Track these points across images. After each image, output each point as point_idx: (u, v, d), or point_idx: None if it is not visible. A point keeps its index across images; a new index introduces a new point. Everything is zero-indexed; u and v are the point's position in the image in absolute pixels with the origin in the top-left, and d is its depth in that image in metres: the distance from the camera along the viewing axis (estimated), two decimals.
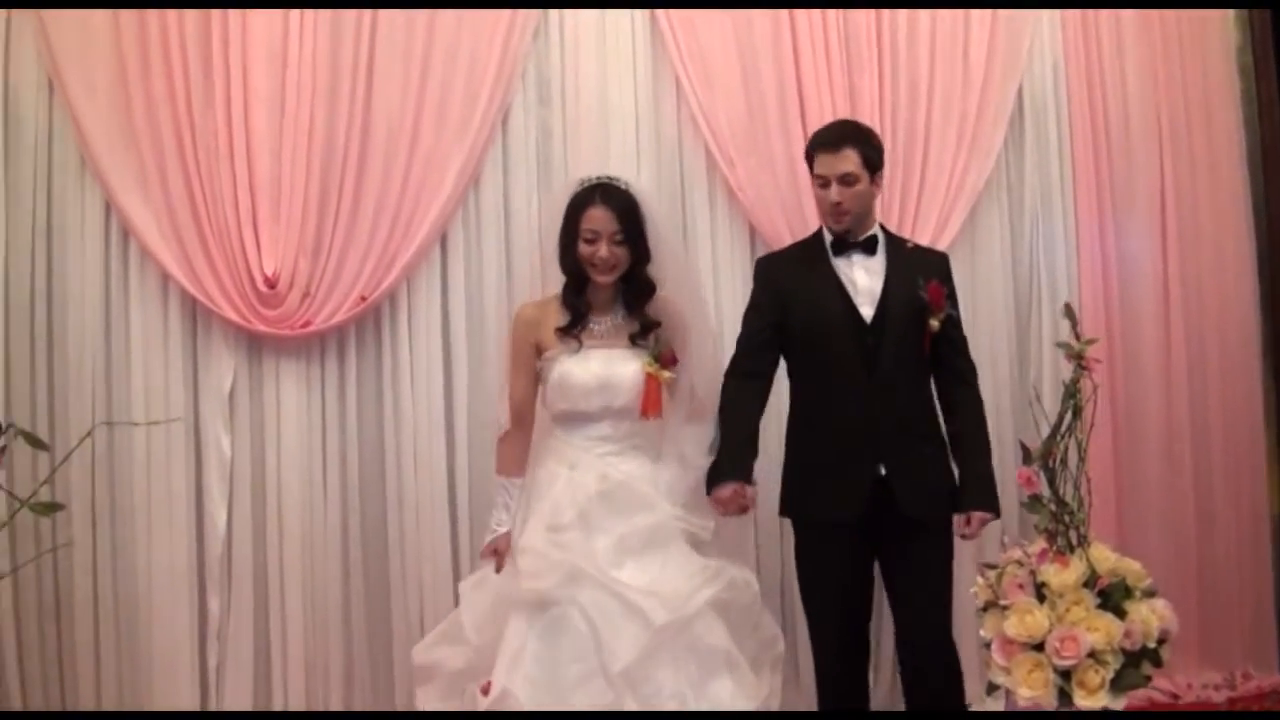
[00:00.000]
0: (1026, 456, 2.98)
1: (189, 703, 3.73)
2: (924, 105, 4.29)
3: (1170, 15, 4.62)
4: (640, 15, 4.11)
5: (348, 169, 3.80)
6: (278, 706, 3.78)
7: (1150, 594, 2.81)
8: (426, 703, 2.99)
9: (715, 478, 3.10)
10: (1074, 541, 2.87)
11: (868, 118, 4.17)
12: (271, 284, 3.74)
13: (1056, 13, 4.53)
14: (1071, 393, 2.95)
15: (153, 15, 3.72)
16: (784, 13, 4.14)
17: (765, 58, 4.12)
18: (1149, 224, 4.59)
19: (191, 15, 3.73)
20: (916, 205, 4.27)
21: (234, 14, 3.75)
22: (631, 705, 2.70)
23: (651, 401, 3.06)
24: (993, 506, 3.15)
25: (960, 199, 4.32)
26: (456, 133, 3.88)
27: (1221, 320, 4.65)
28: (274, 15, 3.77)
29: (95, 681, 3.72)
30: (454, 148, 3.89)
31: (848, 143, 3.19)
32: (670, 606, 2.79)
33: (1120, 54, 4.57)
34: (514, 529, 3.04)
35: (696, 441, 3.14)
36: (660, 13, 4.08)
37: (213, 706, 3.74)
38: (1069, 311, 3.11)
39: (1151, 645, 2.75)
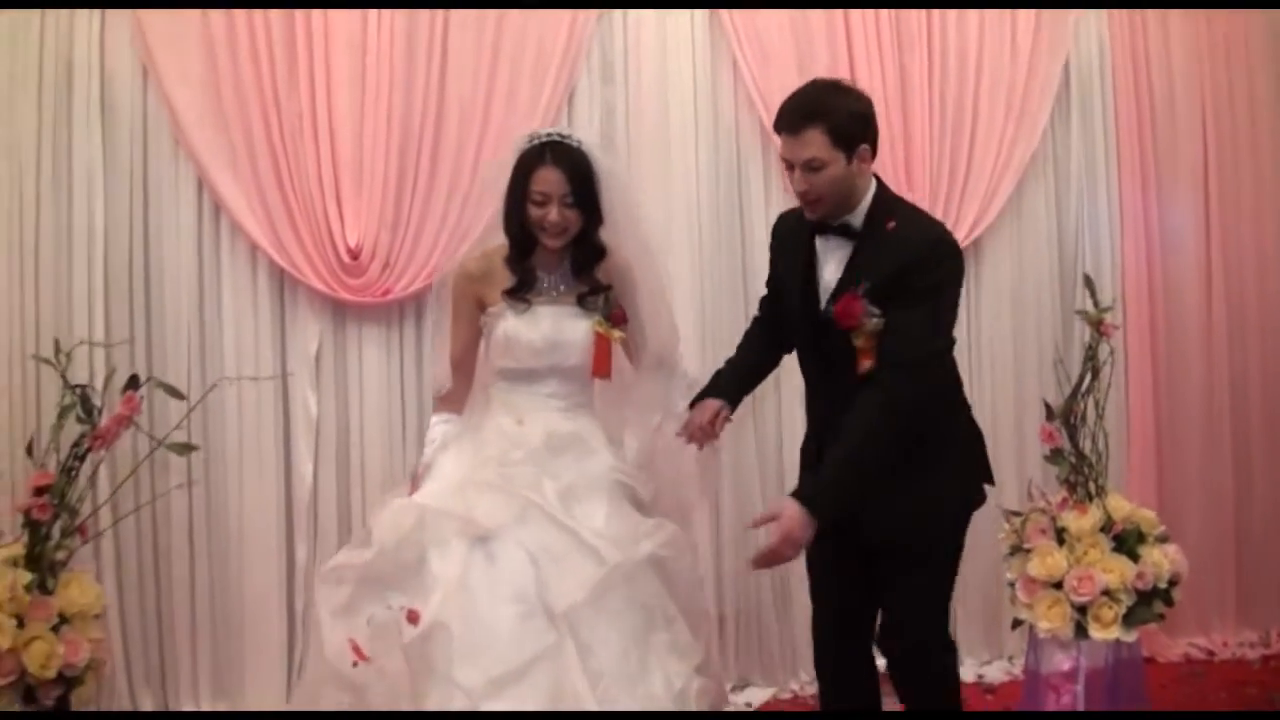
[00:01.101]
0: (1049, 414, 3.19)
1: (277, 645, 4.06)
2: (972, 81, 4.50)
3: None
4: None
5: (424, 147, 4.06)
6: None
7: (1163, 540, 3.05)
8: (328, 603, 2.68)
9: (696, 398, 2.97)
10: (1092, 491, 3.11)
11: (917, 94, 4.42)
12: (354, 255, 4.02)
13: None
14: (1089, 356, 3.17)
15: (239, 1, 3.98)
16: None
17: (819, 36, 4.35)
18: (1192, 196, 4.77)
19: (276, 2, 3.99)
20: (965, 179, 4.48)
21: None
22: (570, 650, 2.52)
23: (601, 362, 2.92)
24: (811, 506, 2.57)
25: (1007, 172, 4.53)
26: (525, 112, 4.13)
27: (1262, 290, 4.82)
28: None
29: (190, 621, 4.04)
30: (523, 125, 4.08)
31: (810, 122, 2.65)
32: (621, 549, 2.65)
33: (1165, 29, 4.74)
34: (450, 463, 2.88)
35: (655, 393, 3.01)
36: None
37: (298, 649, 4.06)
38: (1088, 281, 3.33)
39: (1163, 586, 2.97)
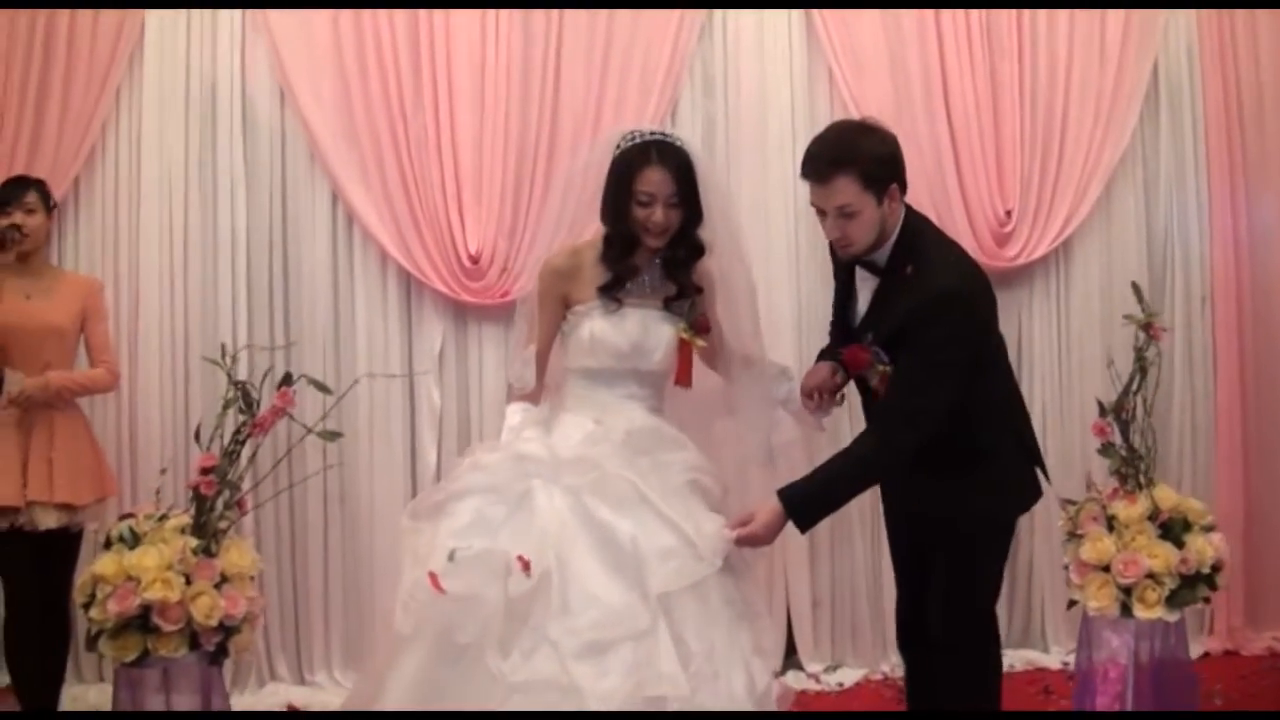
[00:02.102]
0: (1102, 411, 3.42)
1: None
2: (1062, 86, 4.70)
3: None
4: (797, 13, 4.61)
5: (538, 158, 4.41)
6: None
7: (1209, 529, 3.26)
8: (412, 546, 2.64)
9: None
10: (1141, 482, 3.31)
11: (1008, 100, 4.64)
12: (475, 260, 4.38)
13: None
14: (1139, 357, 3.38)
15: (368, 30, 4.36)
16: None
17: (911, 46, 4.59)
18: None
19: (402, 28, 4.36)
20: (1055, 181, 4.69)
21: (439, 25, 4.37)
22: (664, 634, 2.49)
23: (685, 370, 2.90)
24: (790, 511, 2.70)
25: (1096, 174, 4.73)
26: (632, 123, 4.38)
27: None
28: (473, 25, 4.38)
29: (324, 594, 4.44)
30: None
31: (838, 169, 2.68)
32: (713, 546, 2.63)
33: (1254, 31, 4.87)
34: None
35: (756, 391, 2.97)
36: (814, 9, 4.55)
37: None
38: (1135, 289, 3.54)
39: (1206, 571, 3.18)
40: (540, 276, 2.98)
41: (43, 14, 4.22)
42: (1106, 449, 3.39)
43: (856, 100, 4.52)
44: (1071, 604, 3.48)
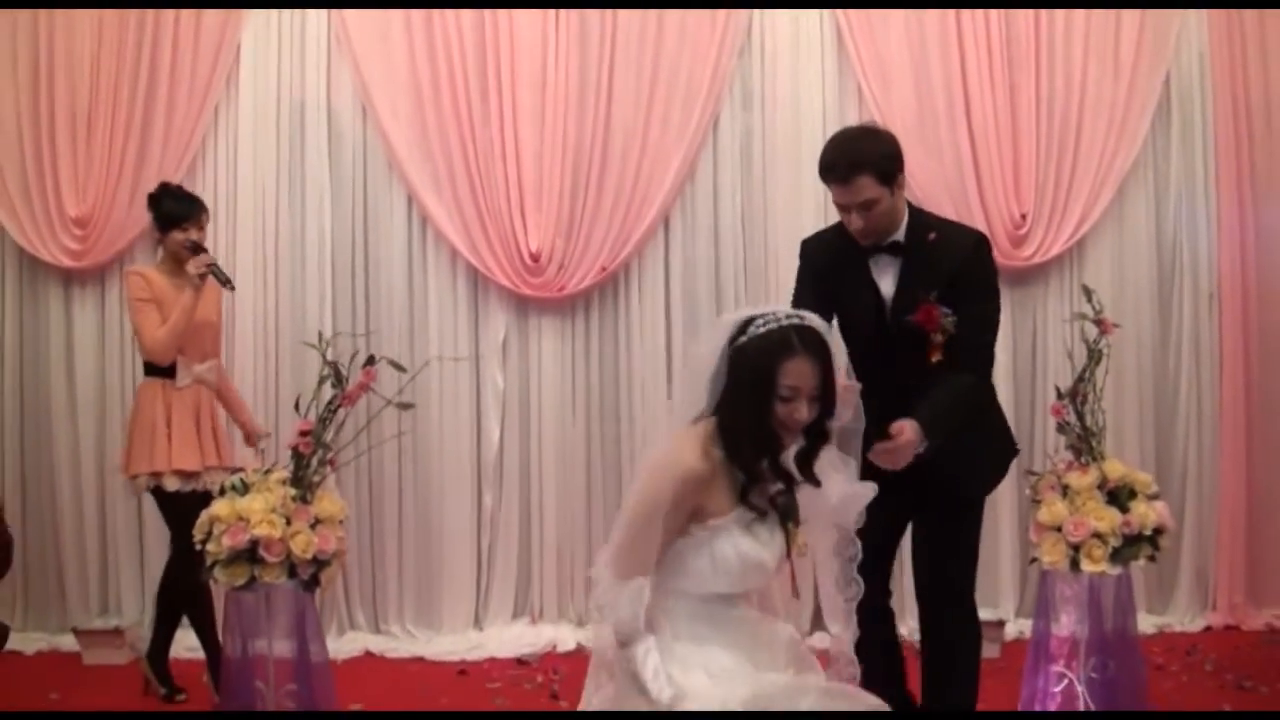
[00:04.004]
0: (1059, 394, 3.93)
1: (468, 576, 5.10)
2: (1077, 97, 5.19)
3: None
4: (829, 31, 5.17)
5: (592, 167, 5.03)
6: (535, 579, 5.14)
7: (1153, 498, 3.75)
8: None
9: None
10: (1094, 456, 3.82)
11: (1025, 111, 5.14)
12: (535, 258, 5.02)
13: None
14: (1091, 349, 3.89)
15: (440, 51, 5.00)
16: (951, 18, 5.10)
17: (935, 60, 5.11)
18: None
19: (472, 51, 5.00)
20: (1069, 186, 5.18)
21: (505, 44, 4.99)
22: None
23: (795, 577, 2.63)
24: (925, 427, 2.94)
25: (1109, 180, 5.21)
26: (677, 135, 5.06)
27: None
28: (535, 45, 5.01)
29: (398, 552, 5.09)
30: (675, 147, 5.06)
31: (858, 171, 3.09)
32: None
33: (1264, 45, 5.30)
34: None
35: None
36: (844, 27, 5.10)
37: (483, 580, 5.11)
38: (1086, 291, 4.05)
39: (1148, 533, 3.67)
40: (671, 481, 2.39)
41: (148, 35, 4.92)
42: (1063, 427, 3.90)
43: (883, 111, 5.04)
44: (1032, 560, 3.99)
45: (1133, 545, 3.65)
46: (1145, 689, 3.90)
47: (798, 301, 3.21)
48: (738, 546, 2.43)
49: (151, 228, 4.32)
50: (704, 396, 2.50)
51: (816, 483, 2.53)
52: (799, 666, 2.51)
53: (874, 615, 2.96)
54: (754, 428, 2.44)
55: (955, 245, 3.24)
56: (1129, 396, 5.18)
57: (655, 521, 2.38)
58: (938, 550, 3.34)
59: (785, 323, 2.45)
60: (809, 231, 5.00)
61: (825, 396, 2.47)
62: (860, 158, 3.12)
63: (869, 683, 2.61)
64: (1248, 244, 5.31)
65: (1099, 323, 3.90)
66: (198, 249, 4.19)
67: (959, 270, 3.18)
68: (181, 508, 4.04)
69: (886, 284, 3.23)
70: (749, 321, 2.47)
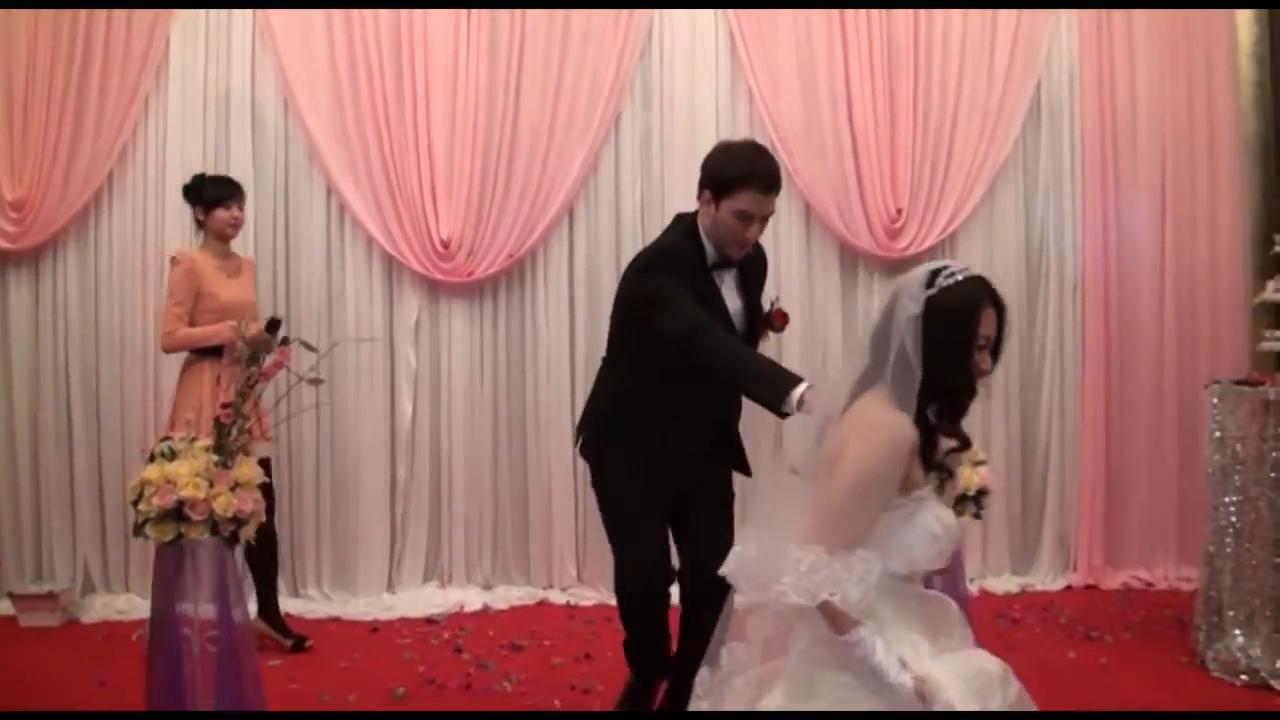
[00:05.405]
0: None
1: (382, 540, 5.53)
2: (952, 101, 5.71)
3: (1179, 17, 5.77)
4: (723, 36, 5.63)
5: (501, 160, 5.46)
6: (444, 545, 5.58)
7: (979, 464, 4.23)
8: None
9: (790, 386, 2.93)
10: None
11: (903, 114, 5.65)
12: (446, 245, 5.45)
13: (1075, 16, 5.78)
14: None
15: (359, 47, 5.40)
16: (837, 28, 5.58)
17: (820, 66, 5.60)
18: (1150, 206, 5.83)
19: (388, 48, 5.40)
20: (943, 184, 5.70)
21: (419, 46, 5.41)
22: None
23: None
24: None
25: (980, 179, 5.74)
26: (581, 132, 5.50)
27: (1213, 294, 5.81)
28: (448, 46, 5.43)
29: (315, 520, 5.49)
30: (579, 143, 5.51)
31: (779, 185, 3.32)
32: None
33: (1131, 53, 5.80)
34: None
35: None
36: (737, 32, 5.56)
37: (397, 546, 5.54)
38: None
39: (971, 494, 4.17)
40: (895, 447, 2.29)
41: (82, 28, 5.25)
42: None
43: (772, 116, 5.55)
44: None
45: (959, 504, 4.15)
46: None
47: (687, 309, 3.20)
48: (941, 517, 2.37)
49: (195, 213, 4.76)
50: (867, 355, 2.41)
51: (968, 443, 2.46)
52: (966, 642, 2.43)
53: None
54: (958, 380, 2.37)
55: (759, 255, 3.62)
56: (997, 379, 5.55)
57: (875, 492, 2.28)
58: (711, 526, 3.49)
59: (970, 272, 2.40)
60: None
61: (998, 348, 2.43)
62: (780, 173, 3.36)
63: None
64: (1110, 240, 5.81)
65: None
66: (274, 325, 4.53)
67: (761, 273, 3.65)
68: None
69: (731, 294, 3.48)
70: (935, 274, 2.37)
